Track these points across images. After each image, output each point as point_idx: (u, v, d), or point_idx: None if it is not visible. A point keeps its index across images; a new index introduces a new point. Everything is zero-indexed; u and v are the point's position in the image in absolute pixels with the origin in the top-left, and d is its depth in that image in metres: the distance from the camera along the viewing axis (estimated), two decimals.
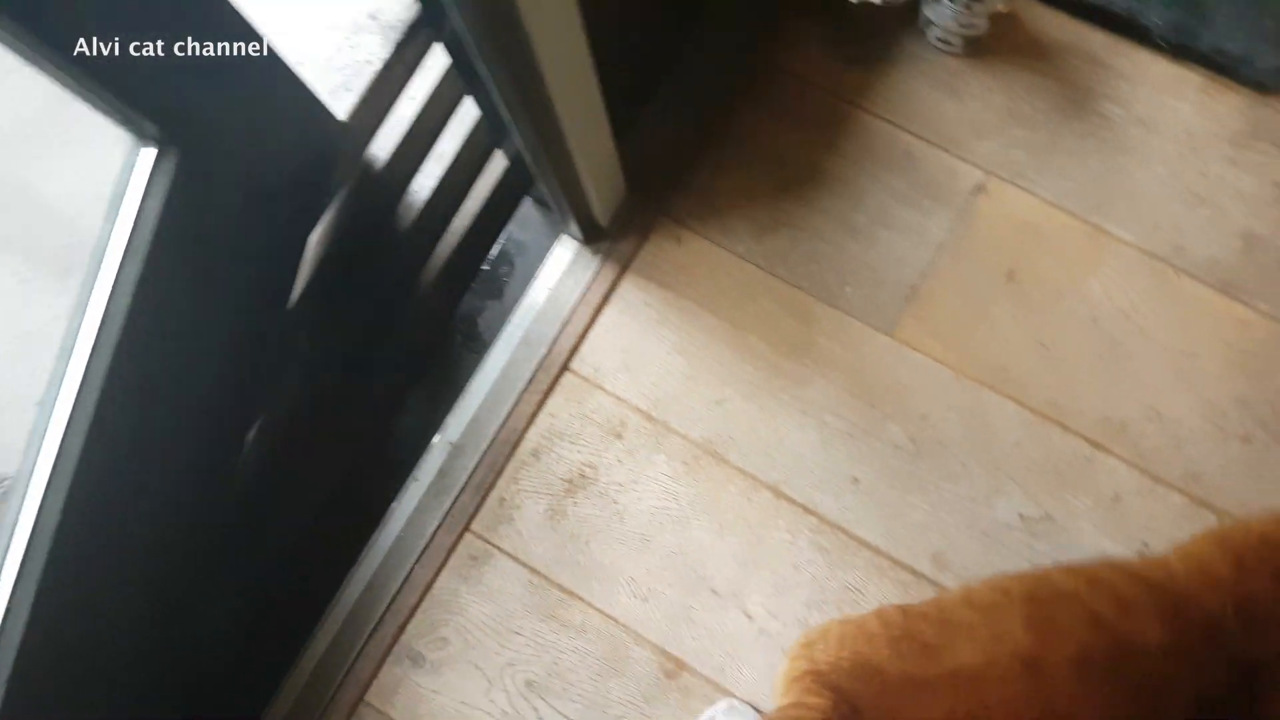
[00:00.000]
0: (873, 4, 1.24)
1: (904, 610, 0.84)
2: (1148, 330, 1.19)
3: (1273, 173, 1.22)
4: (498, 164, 1.25)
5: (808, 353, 1.24)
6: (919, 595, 1.14)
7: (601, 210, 1.25)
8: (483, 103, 1.10)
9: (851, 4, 1.27)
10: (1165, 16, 1.23)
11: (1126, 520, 1.15)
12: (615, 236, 1.29)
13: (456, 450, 1.23)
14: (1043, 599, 0.81)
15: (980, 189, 1.25)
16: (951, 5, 1.17)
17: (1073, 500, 1.16)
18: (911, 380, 1.21)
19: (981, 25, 1.21)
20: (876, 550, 1.17)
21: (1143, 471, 1.16)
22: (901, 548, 1.17)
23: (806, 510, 1.19)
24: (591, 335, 1.26)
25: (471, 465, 1.21)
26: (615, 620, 1.16)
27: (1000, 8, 1.17)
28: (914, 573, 1.15)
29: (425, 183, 1.21)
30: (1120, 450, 1.17)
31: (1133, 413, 1.17)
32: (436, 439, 1.24)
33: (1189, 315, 1.20)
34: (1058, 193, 1.24)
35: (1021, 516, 1.16)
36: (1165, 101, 1.25)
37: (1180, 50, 1.24)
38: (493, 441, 1.22)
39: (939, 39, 1.27)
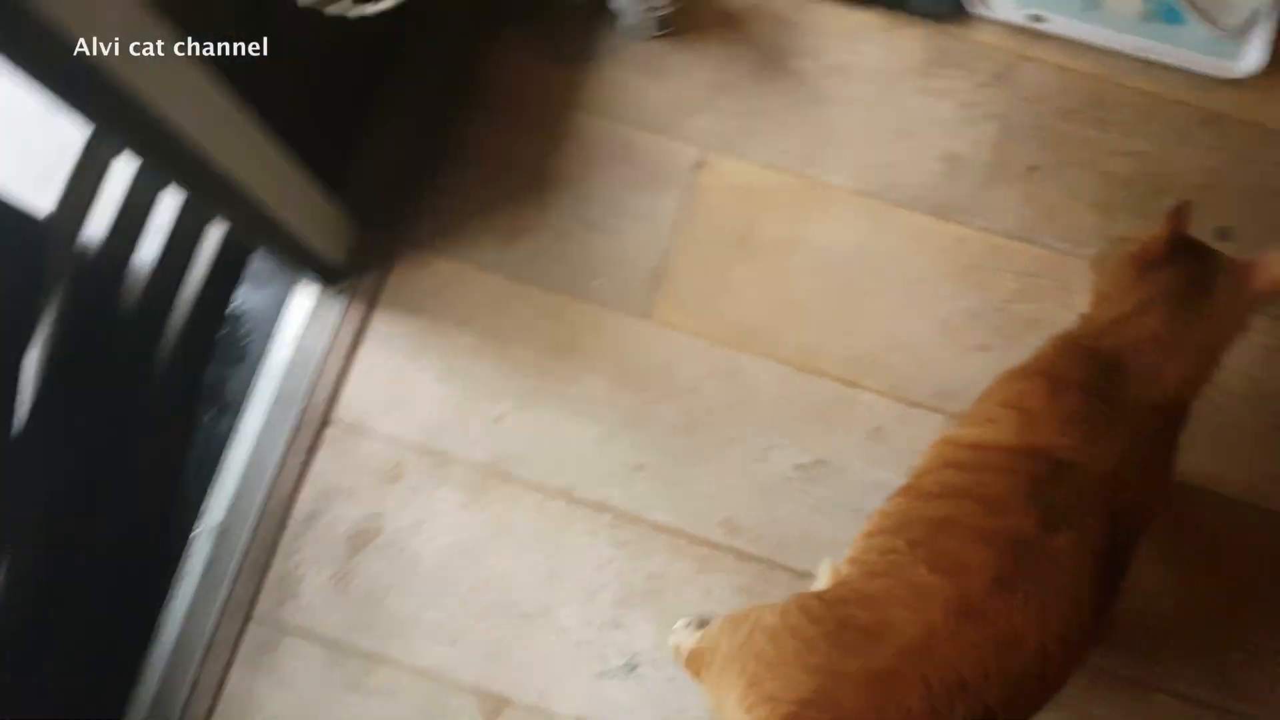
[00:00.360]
0: (573, 2, 1.31)
1: (821, 599, 0.88)
2: (876, 266, 1.29)
3: (961, 95, 1.34)
4: (219, 226, 1.21)
5: (572, 351, 1.28)
6: (719, 567, 1.21)
7: (332, 253, 1.24)
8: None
9: (558, 2, 1.33)
10: None
11: (892, 447, 1.24)
12: (356, 273, 1.28)
13: (223, 533, 1.19)
14: (928, 541, 0.87)
15: (699, 164, 1.32)
16: None
17: (839, 440, 1.24)
18: (673, 358, 1.27)
19: (665, 4, 1.26)
20: (671, 531, 1.22)
21: (896, 399, 1.26)
22: (694, 522, 1.22)
23: (600, 508, 1.23)
24: (349, 380, 1.25)
25: (242, 547, 1.18)
26: (426, 673, 1.17)
27: None
28: (709, 544, 1.21)
29: (146, 258, 1.17)
30: (872, 384, 1.26)
31: (877, 346, 1.27)
32: (199, 527, 1.20)
33: (911, 244, 1.30)
34: (770, 154, 1.32)
35: (796, 466, 1.24)
36: (853, 47, 1.35)
37: None
38: (260, 516, 1.19)
39: (632, 26, 1.32)
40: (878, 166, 1.31)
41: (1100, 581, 0.84)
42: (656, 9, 1.26)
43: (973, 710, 0.79)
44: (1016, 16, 1.34)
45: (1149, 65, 1.35)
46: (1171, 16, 1.36)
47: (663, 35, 1.34)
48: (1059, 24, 1.35)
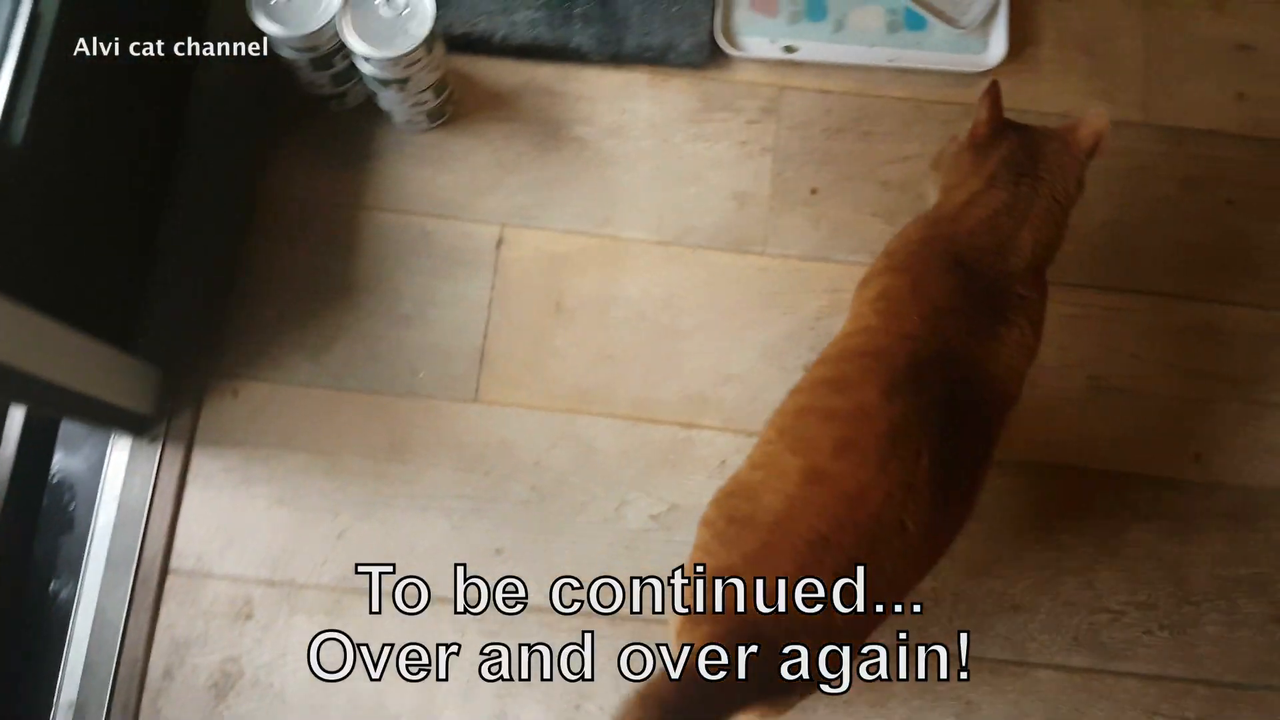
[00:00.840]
0: (342, 109, 1.44)
1: (715, 502, 1.04)
2: (690, 308, 1.44)
3: (734, 134, 1.51)
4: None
5: (407, 449, 1.37)
6: (597, 632, 1.31)
7: (137, 404, 1.31)
8: None
9: (329, 111, 1.46)
10: (588, 34, 1.49)
11: None
12: (167, 418, 1.35)
13: (80, 708, 1.23)
14: (791, 428, 1.04)
15: (500, 241, 1.45)
16: (389, 91, 1.35)
17: (688, 482, 1.37)
18: (511, 435, 1.38)
19: (430, 99, 1.39)
20: (541, 609, 1.32)
21: (735, 431, 1.40)
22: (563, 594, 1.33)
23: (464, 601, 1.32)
24: (180, 526, 1.32)
25: (102, 718, 1.22)
26: None
27: (432, 80, 1.36)
28: (582, 614, 1.31)
29: None
30: (709, 421, 1.40)
31: (706, 384, 1.41)
32: (55, 705, 1.24)
33: (718, 281, 1.45)
34: (567, 220, 1.46)
35: (651, 516, 1.36)
36: (624, 106, 1.51)
37: (615, 58, 1.50)
38: (114, 683, 1.24)
39: (405, 121, 1.45)
40: (671, 214, 1.47)
41: (942, 433, 0.97)
42: (424, 103, 1.39)
43: (837, 561, 0.93)
44: (771, 51, 1.54)
45: (904, 73, 1.55)
46: (915, 23, 1.57)
47: (439, 125, 1.47)
48: (811, 50, 1.54)
